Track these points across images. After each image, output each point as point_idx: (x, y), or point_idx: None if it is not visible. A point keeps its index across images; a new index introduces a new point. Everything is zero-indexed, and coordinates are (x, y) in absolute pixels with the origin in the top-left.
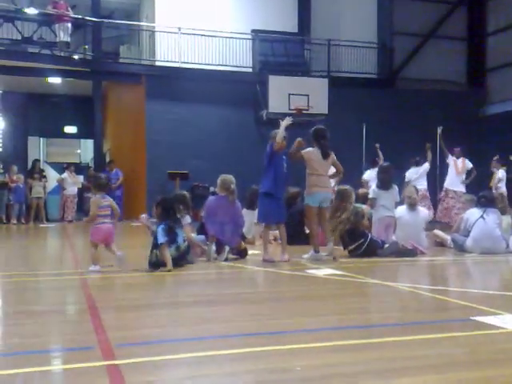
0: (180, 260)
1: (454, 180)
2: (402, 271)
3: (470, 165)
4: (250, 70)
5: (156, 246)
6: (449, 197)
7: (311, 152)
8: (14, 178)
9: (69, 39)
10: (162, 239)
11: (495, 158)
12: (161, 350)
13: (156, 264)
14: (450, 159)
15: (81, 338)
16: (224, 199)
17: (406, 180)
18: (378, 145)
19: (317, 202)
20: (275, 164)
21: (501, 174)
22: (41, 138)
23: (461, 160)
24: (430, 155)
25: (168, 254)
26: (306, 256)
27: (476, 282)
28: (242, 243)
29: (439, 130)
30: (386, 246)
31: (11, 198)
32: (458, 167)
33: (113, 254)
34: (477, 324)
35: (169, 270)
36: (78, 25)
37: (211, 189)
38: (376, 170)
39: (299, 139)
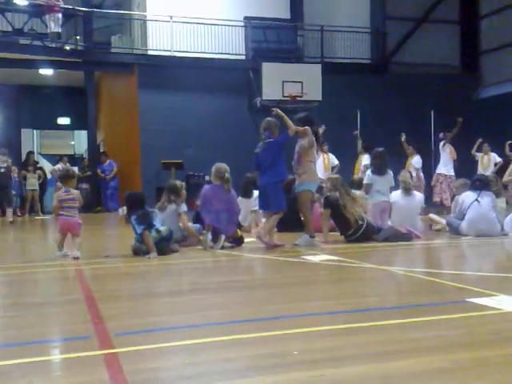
0: (163, 243)
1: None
2: (397, 255)
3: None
4: (243, 57)
5: (139, 237)
6: (439, 182)
7: (313, 139)
8: None
9: (60, 30)
10: (139, 229)
11: (479, 142)
12: (158, 337)
13: (139, 250)
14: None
15: (78, 328)
16: (219, 188)
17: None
18: (356, 132)
19: (314, 189)
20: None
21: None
22: (34, 130)
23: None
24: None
25: (150, 240)
26: (298, 240)
27: (471, 265)
28: (238, 231)
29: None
30: (382, 230)
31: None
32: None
33: (74, 246)
34: (472, 306)
35: (153, 257)
36: (68, 15)
37: (206, 177)
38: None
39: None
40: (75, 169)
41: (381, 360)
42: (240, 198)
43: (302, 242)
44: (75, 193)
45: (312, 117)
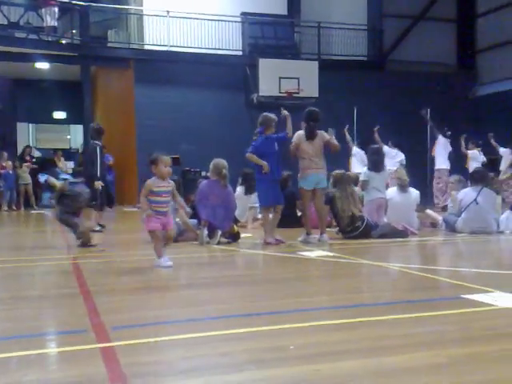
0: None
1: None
2: (393, 252)
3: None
4: (240, 53)
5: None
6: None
7: (299, 135)
8: (4, 164)
9: (56, 24)
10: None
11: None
12: (155, 331)
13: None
14: (441, 139)
15: (75, 322)
16: (216, 183)
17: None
18: (346, 127)
19: (311, 185)
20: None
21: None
22: (30, 124)
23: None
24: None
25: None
26: (300, 239)
27: (466, 261)
28: (235, 227)
29: (424, 112)
30: (378, 227)
31: (1, 185)
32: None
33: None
34: (467, 302)
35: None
36: (64, 9)
37: (203, 173)
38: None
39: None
40: (70, 163)
41: (376, 355)
42: (241, 194)
43: (301, 240)
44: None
45: (307, 112)
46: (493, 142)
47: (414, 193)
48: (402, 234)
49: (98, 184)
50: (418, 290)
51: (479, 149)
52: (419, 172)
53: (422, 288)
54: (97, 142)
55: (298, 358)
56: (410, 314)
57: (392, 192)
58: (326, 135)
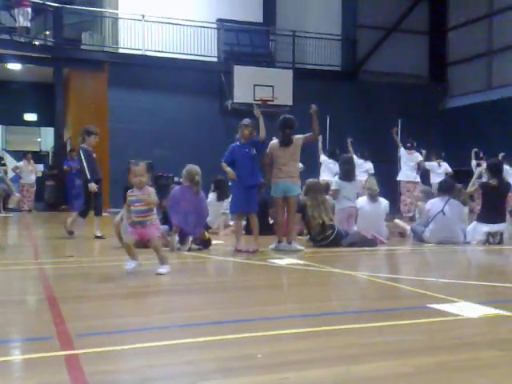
0: None
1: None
2: (362, 260)
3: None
4: (215, 59)
5: None
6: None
7: (272, 144)
8: None
9: (29, 24)
10: None
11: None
12: (121, 339)
13: None
14: (403, 152)
15: (39, 328)
16: (188, 189)
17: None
18: (350, 139)
19: (280, 192)
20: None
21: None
22: (0, 126)
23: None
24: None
25: None
26: (271, 246)
27: (433, 271)
28: (206, 233)
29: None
30: (348, 235)
31: None
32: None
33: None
34: (433, 311)
35: None
36: (38, 10)
37: (175, 179)
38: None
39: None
40: (40, 166)
41: (343, 363)
42: (213, 200)
43: (272, 248)
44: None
45: (281, 120)
46: (473, 154)
47: (384, 203)
48: (371, 242)
49: (92, 187)
50: (386, 298)
51: (440, 160)
52: (388, 182)
53: (389, 297)
54: (82, 145)
55: (266, 367)
56: (377, 323)
57: (362, 201)
58: (302, 136)
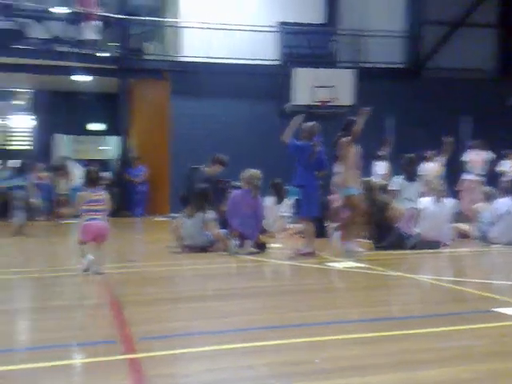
0: None
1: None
2: (424, 263)
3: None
4: (275, 62)
5: None
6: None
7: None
8: (40, 175)
9: (96, 37)
10: None
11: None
12: (181, 343)
13: None
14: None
15: (103, 332)
16: (247, 193)
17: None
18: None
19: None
20: None
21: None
22: (66, 136)
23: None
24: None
25: None
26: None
27: (499, 273)
28: (261, 237)
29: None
30: (410, 237)
31: (38, 196)
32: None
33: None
34: (498, 315)
35: None
36: (105, 22)
37: (234, 183)
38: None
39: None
40: (107, 174)
41: (406, 369)
42: (271, 204)
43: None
44: (102, 194)
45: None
46: None
47: (449, 203)
48: (434, 245)
49: None
50: (449, 302)
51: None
52: (454, 182)
53: (452, 301)
54: None
55: (322, 373)
56: (440, 328)
57: (426, 202)
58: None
